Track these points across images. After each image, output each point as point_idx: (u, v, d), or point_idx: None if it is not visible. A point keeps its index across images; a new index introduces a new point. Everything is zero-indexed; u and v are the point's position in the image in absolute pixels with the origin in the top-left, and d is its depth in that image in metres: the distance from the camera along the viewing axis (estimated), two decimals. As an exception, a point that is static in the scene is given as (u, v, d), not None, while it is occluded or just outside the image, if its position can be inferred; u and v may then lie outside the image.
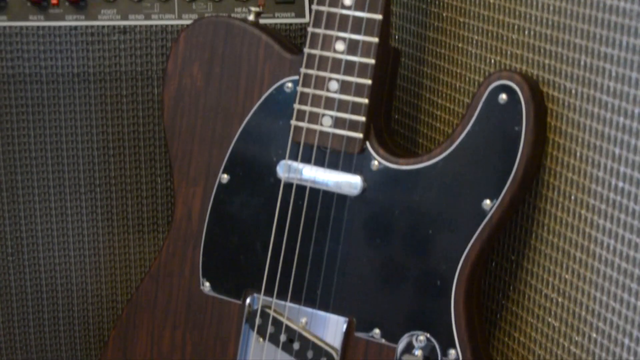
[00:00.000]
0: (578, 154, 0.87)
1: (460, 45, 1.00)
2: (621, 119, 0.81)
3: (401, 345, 0.94)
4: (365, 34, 0.93)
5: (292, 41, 1.08)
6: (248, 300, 1.00)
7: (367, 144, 0.94)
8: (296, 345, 0.98)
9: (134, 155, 1.11)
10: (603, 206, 0.84)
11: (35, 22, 1.05)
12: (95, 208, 1.11)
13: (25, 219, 1.10)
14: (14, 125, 1.07)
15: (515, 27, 0.92)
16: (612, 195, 0.83)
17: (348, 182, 0.95)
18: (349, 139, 0.94)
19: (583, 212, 0.86)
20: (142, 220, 1.13)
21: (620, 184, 0.82)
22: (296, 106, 0.96)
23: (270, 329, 0.99)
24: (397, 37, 1.11)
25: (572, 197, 0.88)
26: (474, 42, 0.98)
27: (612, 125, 0.82)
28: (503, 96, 0.88)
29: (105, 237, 1.12)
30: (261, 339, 0.99)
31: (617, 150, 0.82)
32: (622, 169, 0.82)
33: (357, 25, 0.93)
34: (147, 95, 1.09)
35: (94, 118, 1.09)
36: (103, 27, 1.06)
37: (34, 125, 1.08)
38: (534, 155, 0.89)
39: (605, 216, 0.84)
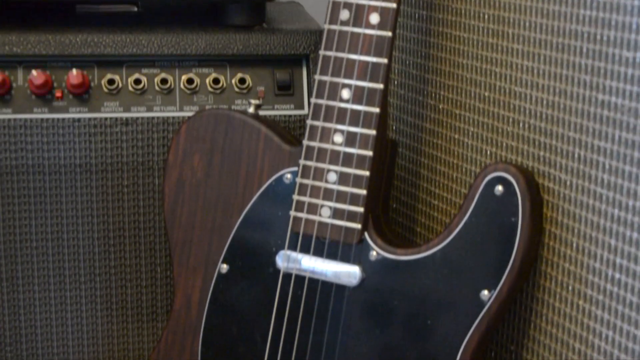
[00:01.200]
0: (574, 245, 0.88)
1: (456, 136, 1.02)
2: (616, 211, 0.82)
3: None
4: (363, 126, 0.94)
5: (291, 132, 1.09)
6: (247, 391, 1.00)
7: (366, 234, 0.95)
8: None
9: (134, 245, 1.12)
10: (600, 297, 0.85)
11: (40, 114, 1.07)
12: (95, 297, 1.12)
13: (25, 309, 1.10)
14: (16, 216, 1.08)
15: (510, 119, 0.94)
16: (608, 286, 0.84)
17: (347, 273, 0.95)
18: (348, 229, 0.95)
19: (580, 302, 0.87)
20: (141, 310, 1.13)
21: (617, 275, 0.82)
22: (295, 197, 0.97)
23: (269, 420, 0.98)
24: (394, 127, 1.13)
25: (570, 288, 0.88)
26: (470, 133, 1.00)
27: (608, 217, 0.83)
28: (499, 188, 0.89)
29: (104, 327, 1.12)
30: None
31: (612, 242, 0.83)
32: (618, 260, 0.82)
33: (355, 118, 0.94)
34: (148, 185, 1.11)
35: (94, 208, 1.10)
36: (106, 119, 1.08)
37: (36, 216, 1.09)
38: (531, 246, 0.90)
39: (602, 307, 0.84)
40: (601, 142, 0.84)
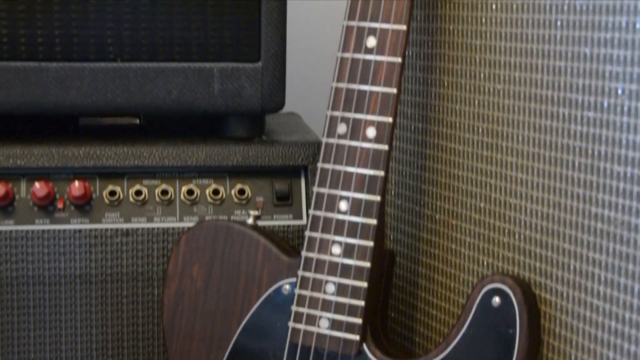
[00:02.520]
0: (573, 357, 0.88)
1: (453, 246, 1.03)
2: (613, 323, 0.83)
3: None
4: (361, 238, 0.95)
5: (289, 243, 1.10)
6: None
7: (364, 346, 0.95)
8: None
9: (132, 356, 1.12)
10: (600, 410, 0.84)
11: (41, 225, 1.08)
12: (92, 409, 1.11)
13: (21, 421, 1.09)
14: (14, 327, 1.08)
15: (506, 230, 0.95)
16: (608, 399, 0.83)
17: (345, 385, 0.95)
18: (346, 341, 0.95)
19: (580, 415, 0.87)
20: (139, 421, 1.12)
21: (616, 388, 0.82)
22: (294, 308, 0.98)
23: None
24: (392, 237, 1.14)
25: (569, 400, 0.88)
26: (467, 244, 1.01)
27: (605, 329, 0.84)
28: (496, 299, 0.90)
29: None
30: None
31: (610, 354, 0.83)
32: (616, 372, 0.83)
33: (353, 230, 0.96)
34: (148, 295, 1.11)
35: (94, 318, 1.10)
36: (106, 229, 1.09)
37: (35, 327, 1.09)
38: (529, 357, 0.90)
39: (602, 420, 0.84)
40: (596, 255, 0.85)
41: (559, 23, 0.87)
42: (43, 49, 1.08)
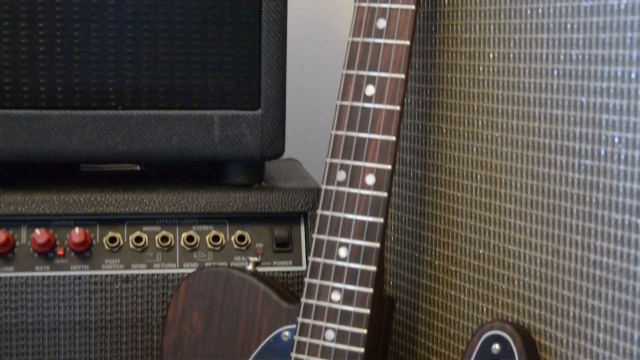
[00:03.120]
0: (573, 404, 0.88)
1: (452, 292, 1.03)
2: (613, 371, 0.83)
3: None
4: (360, 284, 0.96)
5: (289, 289, 1.11)
6: None
7: (364, 393, 0.95)
8: None
9: (131, 403, 1.11)
10: None
11: (41, 272, 1.08)
12: None
13: None
14: (14, 374, 1.08)
15: (505, 277, 0.96)
16: None
17: None
18: (346, 388, 0.95)
19: None
20: None
21: None
22: (293, 355, 0.98)
23: None
24: (391, 283, 1.14)
25: None
26: (466, 290, 1.01)
27: (604, 377, 0.84)
28: (496, 346, 0.90)
29: None
30: None
31: (610, 402, 0.83)
32: (617, 420, 0.82)
33: (352, 277, 0.96)
34: (147, 342, 1.11)
35: (93, 365, 1.10)
36: (106, 276, 1.09)
37: (33, 374, 1.09)
38: (530, 404, 0.90)
39: None
40: (595, 302, 0.85)
41: (555, 72, 0.88)
42: (45, 97, 1.09)
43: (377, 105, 0.96)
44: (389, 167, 0.96)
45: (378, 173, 0.96)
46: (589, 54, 0.84)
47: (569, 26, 0.86)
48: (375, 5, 0.97)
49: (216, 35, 1.11)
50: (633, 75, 0.80)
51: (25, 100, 1.09)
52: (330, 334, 0.96)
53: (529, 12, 0.91)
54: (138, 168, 1.25)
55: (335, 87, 0.98)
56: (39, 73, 1.08)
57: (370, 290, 0.95)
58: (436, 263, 1.06)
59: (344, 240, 0.97)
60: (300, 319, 0.98)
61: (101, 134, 1.10)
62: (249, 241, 1.13)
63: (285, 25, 1.12)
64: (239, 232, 1.13)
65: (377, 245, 0.96)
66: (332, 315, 0.96)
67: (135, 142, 1.11)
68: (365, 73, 0.97)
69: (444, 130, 1.04)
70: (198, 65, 1.11)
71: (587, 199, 0.85)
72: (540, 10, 0.89)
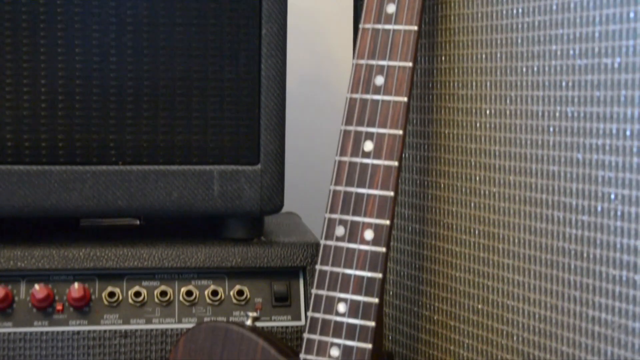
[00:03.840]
0: None
1: (451, 347, 1.03)
2: None
3: None
4: (359, 340, 0.96)
5: (288, 344, 1.10)
6: None
7: None
8: None
9: None
10: None
11: (40, 327, 1.08)
12: None
13: None
14: None
15: (504, 332, 0.96)
16: None
17: None
18: None
19: None
20: None
21: None
22: (292, 411, 0.97)
23: None
24: (390, 337, 1.14)
25: None
26: (465, 345, 1.01)
27: None
28: (495, 403, 0.90)
29: None
30: None
31: None
32: None
33: (351, 332, 0.96)
34: (145, 398, 1.11)
35: (90, 422, 1.09)
36: (105, 331, 1.09)
37: None
38: None
39: None
40: (594, 358, 0.85)
41: (551, 129, 0.89)
42: (46, 153, 1.10)
43: (376, 161, 0.97)
44: (388, 222, 0.96)
45: (376, 228, 0.96)
46: (584, 111, 0.85)
47: (564, 84, 0.88)
48: (373, 62, 0.98)
49: (216, 91, 1.12)
50: (628, 133, 0.81)
51: (27, 155, 1.09)
52: (329, 390, 0.96)
53: (524, 69, 0.92)
54: (137, 222, 1.26)
55: (334, 142, 0.99)
56: (41, 129, 1.09)
57: (369, 345, 0.95)
58: (435, 318, 1.06)
59: (342, 295, 0.97)
60: (299, 375, 0.97)
61: (101, 189, 1.11)
62: (248, 296, 1.13)
63: (284, 81, 1.14)
64: (237, 287, 1.13)
65: (376, 300, 0.96)
66: (331, 371, 0.96)
67: (135, 197, 1.11)
68: (364, 129, 0.98)
69: (442, 185, 1.05)
70: (198, 121, 1.12)
71: (585, 254, 0.86)
72: (535, 68, 0.91)
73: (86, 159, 1.11)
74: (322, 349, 0.97)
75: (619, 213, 0.82)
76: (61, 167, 1.10)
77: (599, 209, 0.84)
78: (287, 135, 1.16)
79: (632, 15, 0.80)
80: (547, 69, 0.89)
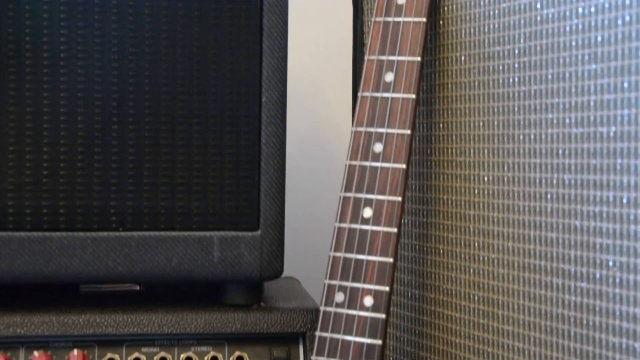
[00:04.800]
0: None
1: (452, 415, 1.03)
2: None
3: None
4: (360, 407, 0.95)
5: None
6: None
7: None
8: None
9: None
10: None
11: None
12: None
13: None
14: None
15: (505, 399, 0.96)
16: None
17: None
18: None
19: None
20: None
21: None
22: None
23: None
24: (390, 404, 1.14)
25: None
26: (466, 412, 1.01)
27: None
28: None
29: None
30: None
31: None
32: None
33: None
34: None
35: None
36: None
37: None
38: None
39: None
40: None
41: (549, 196, 0.90)
42: (48, 219, 1.10)
43: (375, 228, 0.98)
44: (387, 288, 0.96)
45: (376, 294, 0.97)
46: (581, 179, 0.86)
47: (560, 151, 0.89)
48: (372, 130, 1.00)
49: (216, 157, 1.13)
50: (625, 201, 0.82)
51: (28, 222, 1.10)
52: None
53: (521, 137, 0.93)
54: (137, 288, 1.26)
55: (334, 207, 1.00)
56: (42, 196, 1.10)
57: (370, 414, 0.95)
58: (435, 384, 1.06)
59: (342, 362, 0.97)
60: None
61: (102, 255, 1.11)
62: (248, 362, 1.13)
63: (284, 147, 1.15)
64: (237, 353, 1.13)
65: (376, 367, 0.96)
66: None
67: (136, 263, 1.12)
68: (363, 196, 0.99)
69: (441, 251, 1.05)
70: (198, 187, 1.13)
71: (584, 321, 0.86)
72: (532, 136, 0.92)
73: (87, 225, 1.11)
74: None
75: (617, 280, 0.83)
76: (62, 233, 1.10)
77: (598, 276, 0.85)
78: (286, 199, 1.17)
79: (626, 85, 0.82)
80: (543, 136, 0.91)
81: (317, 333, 0.98)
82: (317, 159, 1.68)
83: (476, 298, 1.00)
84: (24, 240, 1.10)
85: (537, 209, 0.91)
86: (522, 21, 0.92)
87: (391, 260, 0.97)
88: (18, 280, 1.10)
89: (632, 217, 0.81)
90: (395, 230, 0.97)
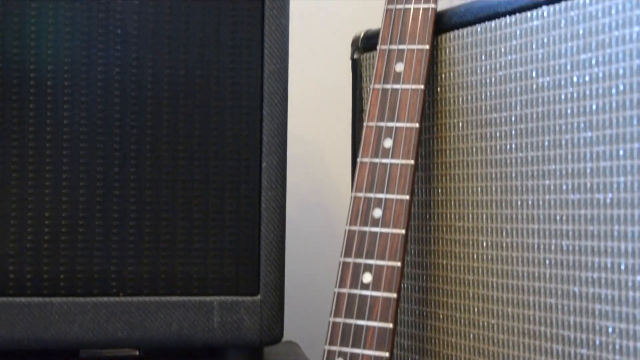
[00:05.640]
0: None
1: None
2: None
3: None
4: None
5: None
6: None
7: None
8: None
9: None
10: None
11: None
12: None
13: None
14: None
15: None
16: None
17: None
18: None
19: None
20: None
21: None
22: None
23: None
24: None
25: None
26: None
27: None
28: None
29: None
30: None
31: None
32: None
33: None
34: None
35: None
36: None
37: None
38: None
39: None
40: None
41: (547, 262, 0.90)
42: (48, 285, 1.10)
43: (375, 293, 0.98)
44: (387, 354, 0.96)
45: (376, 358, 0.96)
46: (579, 245, 0.87)
47: (558, 218, 0.89)
48: (371, 195, 1.00)
49: (217, 223, 1.13)
50: (622, 267, 0.82)
51: (28, 288, 1.10)
52: None
53: (519, 203, 0.94)
54: (137, 353, 1.26)
55: (334, 271, 1.00)
56: (43, 261, 1.10)
57: None
58: None
59: None
60: None
61: (102, 320, 1.11)
62: None
63: (284, 212, 1.15)
64: (237, 419, 1.12)
65: None
66: None
67: (136, 328, 1.12)
68: (362, 261, 0.99)
69: (441, 316, 1.05)
70: (199, 253, 1.13)
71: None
72: (530, 202, 0.93)
73: (87, 290, 1.11)
74: None
75: (617, 346, 0.83)
76: (62, 298, 1.11)
77: (597, 342, 0.85)
78: (286, 263, 1.17)
79: (621, 152, 0.83)
80: (541, 203, 0.91)
81: (317, 399, 0.98)
82: (318, 222, 1.68)
83: (476, 364, 1.00)
84: (24, 306, 1.10)
85: (536, 274, 0.92)
86: (518, 89, 0.94)
87: (391, 325, 0.97)
88: (17, 346, 1.10)
89: (630, 284, 0.81)
90: (394, 295, 0.97)
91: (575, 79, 0.88)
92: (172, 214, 1.13)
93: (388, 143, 1.01)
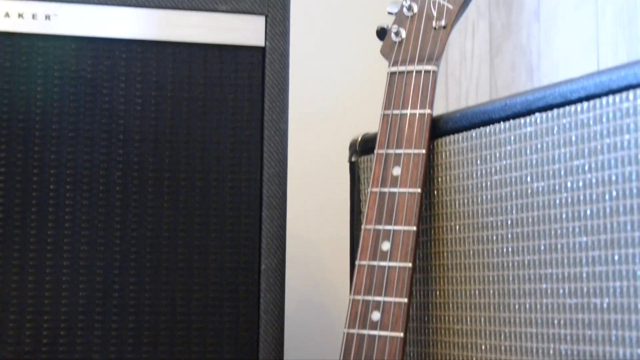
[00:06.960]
0: None
1: None
2: None
3: None
4: None
5: None
6: None
7: None
8: None
9: None
10: None
11: None
12: None
13: None
14: None
15: None
16: None
17: None
18: None
19: None
20: None
21: None
22: None
23: None
24: None
25: None
26: None
27: None
28: None
29: None
30: None
31: None
32: None
33: None
34: None
35: None
36: None
37: None
38: None
39: None
40: None
41: (546, 366, 0.90)
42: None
43: (373, 397, 0.97)
44: None
45: None
46: (577, 349, 0.87)
47: (555, 322, 0.89)
48: (370, 298, 1.01)
49: (215, 325, 1.14)
50: (621, 373, 0.82)
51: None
52: None
53: (517, 306, 0.94)
54: None
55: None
56: (41, 365, 1.11)
57: None
58: None
59: None
60: None
61: None
62: None
63: (283, 314, 1.16)
64: None
65: None
66: None
67: None
68: (361, 364, 0.99)
69: (441, 420, 1.04)
70: (197, 356, 1.13)
71: None
72: (527, 306, 0.93)
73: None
74: None
75: None
76: None
77: None
78: (285, 363, 1.17)
79: (616, 257, 0.83)
80: (539, 306, 0.92)
81: None
82: (316, 321, 1.68)
83: None
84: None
85: (535, 379, 0.91)
86: (514, 193, 0.95)
87: None
88: None
89: (629, 389, 0.81)
90: (394, 399, 0.97)
91: (569, 184, 0.89)
92: (170, 316, 1.13)
93: (386, 246, 1.01)
